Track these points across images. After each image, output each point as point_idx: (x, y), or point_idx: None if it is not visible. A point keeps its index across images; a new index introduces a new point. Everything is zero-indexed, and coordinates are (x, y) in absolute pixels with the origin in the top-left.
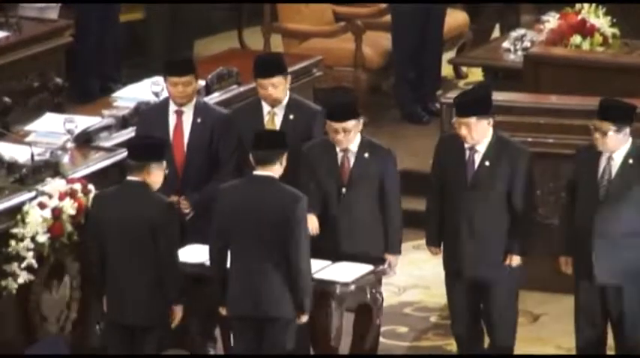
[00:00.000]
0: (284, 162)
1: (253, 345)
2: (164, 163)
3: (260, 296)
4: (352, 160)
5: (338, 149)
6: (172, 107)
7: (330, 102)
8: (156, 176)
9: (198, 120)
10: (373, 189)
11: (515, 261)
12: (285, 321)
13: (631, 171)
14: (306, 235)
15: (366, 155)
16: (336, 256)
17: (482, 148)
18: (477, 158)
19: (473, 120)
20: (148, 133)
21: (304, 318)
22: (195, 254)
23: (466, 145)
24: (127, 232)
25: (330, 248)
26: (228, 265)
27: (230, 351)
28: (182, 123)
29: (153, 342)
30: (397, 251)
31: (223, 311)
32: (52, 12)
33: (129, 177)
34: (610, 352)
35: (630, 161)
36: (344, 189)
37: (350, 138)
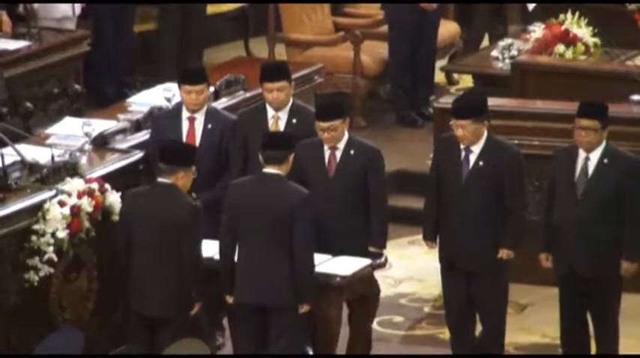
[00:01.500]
0: (291, 162)
1: (259, 334)
2: (193, 168)
3: (265, 286)
4: (338, 157)
5: (326, 147)
6: (185, 113)
7: (319, 101)
8: (185, 180)
9: (209, 126)
10: (358, 184)
11: (507, 255)
12: (287, 310)
13: (606, 170)
14: (311, 231)
15: (352, 152)
16: (323, 249)
17: (477, 149)
18: (472, 158)
19: (468, 122)
20: (162, 138)
21: (306, 308)
22: (205, 248)
23: (462, 146)
24: (154, 230)
25: (317, 241)
26: (238, 255)
27: (236, 340)
28: (194, 128)
29: (169, 334)
30: (381, 245)
31: (230, 299)
32: (70, 23)
33: (159, 179)
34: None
35: (605, 160)
36: (330, 184)
37: (336, 136)
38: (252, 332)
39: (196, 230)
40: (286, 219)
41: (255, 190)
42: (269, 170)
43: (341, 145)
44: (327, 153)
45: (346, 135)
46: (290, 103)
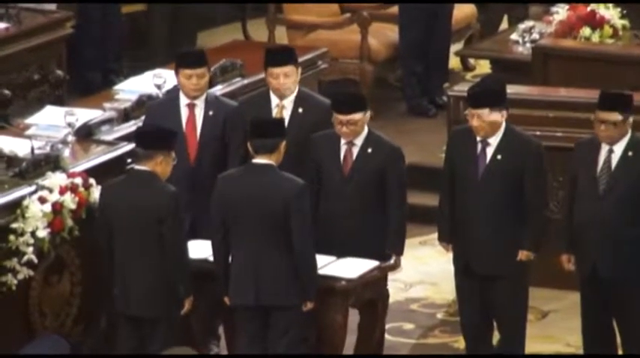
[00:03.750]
0: (282, 151)
1: (258, 336)
2: (172, 154)
3: (264, 285)
4: (355, 154)
5: (343, 141)
6: (184, 100)
7: (336, 93)
8: (164, 166)
9: (210, 113)
10: (374, 184)
11: (527, 257)
12: (290, 309)
13: (631, 164)
14: (310, 222)
15: (370, 150)
16: (334, 250)
17: (494, 142)
18: (489, 151)
19: (485, 111)
20: None
21: (310, 306)
22: (198, 249)
23: (478, 138)
24: (133, 222)
25: (329, 241)
26: (232, 255)
27: (235, 343)
28: (194, 116)
29: (160, 335)
30: (399, 250)
31: (227, 301)
32: (50, 6)
33: (136, 166)
34: (619, 349)
35: (630, 153)
36: (345, 182)
37: (355, 130)
38: (252, 334)
39: (177, 218)
40: (281, 212)
41: (247, 182)
42: (259, 160)
43: (359, 141)
44: (343, 149)
45: (365, 131)
46: (296, 91)
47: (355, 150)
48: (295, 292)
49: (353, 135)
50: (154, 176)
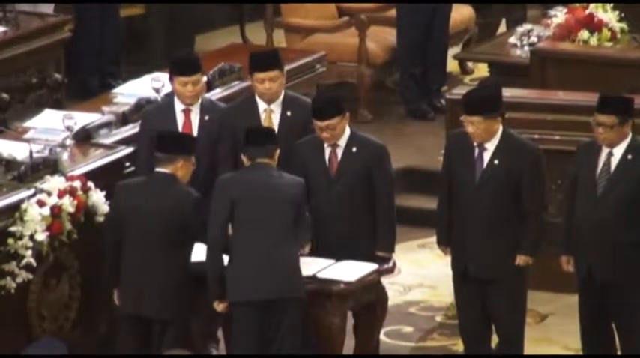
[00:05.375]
0: (276, 158)
1: (259, 332)
2: (192, 158)
3: (274, 279)
4: (340, 154)
5: (326, 144)
6: (179, 106)
7: (314, 99)
8: (184, 170)
9: (206, 118)
10: (362, 183)
11: (525, 261)
12: (297, 301)
13: (630, 167)
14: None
15: (354, 149)
16: (324, 251)
17: (491, 146)
18: (486, 156)
19: (480, 118)
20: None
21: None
22: (197, 252)
23: (475, 143)
24: (150, 222)
25: (318, 242)
26: (234, 252)
27: (232, 341)
28: (190, 121)
29: (171, 337)
30: (389, 248)
31: (219, 307)
32: (47, 8)
33: (157, 169)
34: (617, 352)
35: (629, 156)
36: (332, 184)
37: (336, 134)
38: (256, 335)
39: (201, 220)
40: (288, 206)
41: (252, 180)
42: (262, 159)
43: (342, 142)
44: (327, 151)
45: (348, 131)
46: (282, 94)
47: (340, 151)
48: (301, 283)
49: (334, 139)
50: (175, 179)
